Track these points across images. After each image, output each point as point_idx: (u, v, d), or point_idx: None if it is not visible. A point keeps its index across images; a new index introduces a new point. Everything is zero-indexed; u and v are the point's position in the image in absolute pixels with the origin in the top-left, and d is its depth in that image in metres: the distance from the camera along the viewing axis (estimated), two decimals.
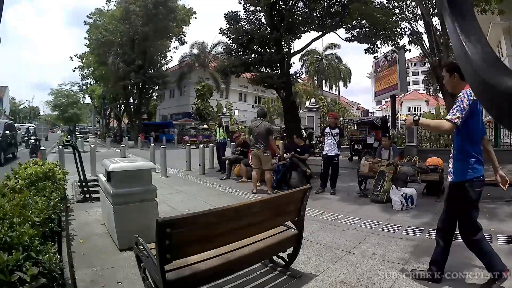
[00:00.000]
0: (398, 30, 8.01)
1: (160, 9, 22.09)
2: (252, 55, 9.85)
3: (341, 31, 9.80)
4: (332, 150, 6.12)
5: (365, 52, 9.62)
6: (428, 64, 9.10)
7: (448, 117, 2.27)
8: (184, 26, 26.25)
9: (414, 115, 2.56)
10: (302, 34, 9.66)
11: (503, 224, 3.93)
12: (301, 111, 19.43)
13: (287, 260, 2.72)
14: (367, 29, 9.09)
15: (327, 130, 6.29)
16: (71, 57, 31.05)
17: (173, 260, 1.84)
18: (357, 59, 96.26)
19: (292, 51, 10.13)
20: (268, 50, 9.54)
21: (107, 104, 36.97)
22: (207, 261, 2.06)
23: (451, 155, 2.49)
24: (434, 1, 6.36)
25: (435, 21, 6.77)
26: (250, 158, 7.48)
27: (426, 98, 43.37)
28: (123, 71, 22.67)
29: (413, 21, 7.52)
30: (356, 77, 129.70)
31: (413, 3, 7.46)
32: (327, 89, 41.06)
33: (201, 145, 9.88)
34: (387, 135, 6.74)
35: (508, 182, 2.42)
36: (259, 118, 6.36)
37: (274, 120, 32.94)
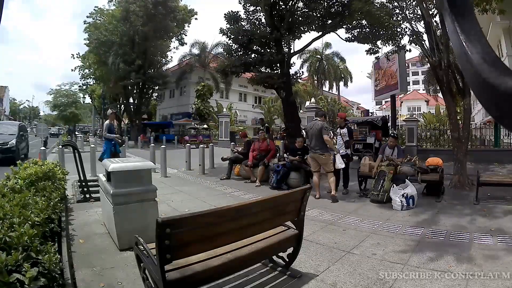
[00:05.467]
0: (398, 30, 8.01)
1: (159, 9, 22.11)
2: (252, 55, 9.84)
3: (341, 31, 9.80)
4: (340, 150, 6.05)
5: (367, 53, 9.62)
6: (428, 64, 9.07)
7: None
8: (185, 25, 26.25)
9: None
10: (302, 34, 9.64)
11: (503, 224, 3.93)
12: (301, 111, 19.42)
13: (287, 260, 2.72)
14: (367, 29, 9.09)
15: (338, 130, 6.37)
16: (72, 55, 31.21)
17: (173, 260, 1.84)
18: (357, 59, 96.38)
19: (292, 51, 10.12)
20: (268, 50, 9.53)
21: (107, 104, 36.98)
22: (207, 261, 2.06)
23: None
24: (434, 2, 6.36)
25: (435, 21, 6.75)
26: (250, 157, 7.50)
27: (426, 98, 43.37)
28: (123, 71, 22.70)
29: (413, 21, 7.50)
30: (356, 77, 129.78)
31: (414, 3, 7.45)
32: (327, 89, 41.05)
33: (201, 145, 9.88)
34: (394, 135, 6.66)
35: None
36: (314, 118, 5.99)
37: (274, 120, 32.95)
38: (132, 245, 2.52)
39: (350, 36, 9.57)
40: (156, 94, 31.78)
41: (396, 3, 7.67)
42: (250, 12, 9.96)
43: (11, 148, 10.65)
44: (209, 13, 38.46)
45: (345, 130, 6.23)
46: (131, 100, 27.35)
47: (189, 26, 26.95)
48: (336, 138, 6.34)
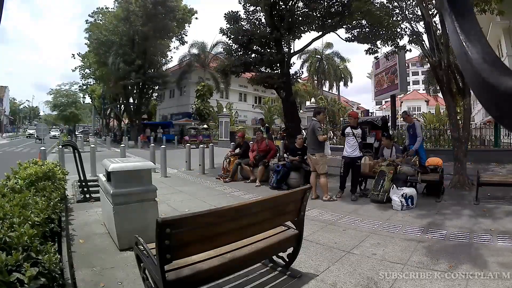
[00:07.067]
0: (398, 30, 8.00)
1: (159, 9, 22.11)
2: (252, 55, 9.84)
3: (341, 31, 9.80)
4: (354, 152, 5.59)
5: (366, 53, 9.61)
6: (428, 64, 9.07)
7: None
8: (185, 25, 26.23)
9: None
10: (302, 34, 9.65)
11: (503, 224, 3.93)
12: (301, 111, 19.43)
13: (287, 260, 2.72)
14: (367, 29, 9.09)
15: (348, 130, 5.73)
16: (73, 55, 31.36)
17: (173, 260, 1.84)
18: (357, 59, 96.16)
19: (292, 51, 10.12)
20: (268, 50, 9.53)
21: (107, 104, 36.99)
22: (207, 261, 2.06)
23: None
24: (434, 2, 6.36)
25: (436, 21, 6.75)
26: (250, 157, 7.50)
27: (426, 98, 43.39)
28: (123, 71, 22.69)
29: (413, 21, 7.50)
30: (356, 77, 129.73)
31: (414, 3, 7.45)
32: (327, 89, 41.07)
33: (201, 145, 9.88)
34: (385, 134, 6.70)
35: None
36: (312, 118, 5.88)
37: (274, 120, 32.97)
38: (132, 245, 2.52)
39: (350, 36, 9.57)
40: (156, 94, 31.76)
41: (396, 3, 7.66)
42: (250, 12, 9.96)
43: None
44: (209, 13, 38.49)
45: (359, 131, 5.71)
46: (131, 100, 27.33)
47: (189, 26, 26.95)
48: (334, 137, 6.26)
